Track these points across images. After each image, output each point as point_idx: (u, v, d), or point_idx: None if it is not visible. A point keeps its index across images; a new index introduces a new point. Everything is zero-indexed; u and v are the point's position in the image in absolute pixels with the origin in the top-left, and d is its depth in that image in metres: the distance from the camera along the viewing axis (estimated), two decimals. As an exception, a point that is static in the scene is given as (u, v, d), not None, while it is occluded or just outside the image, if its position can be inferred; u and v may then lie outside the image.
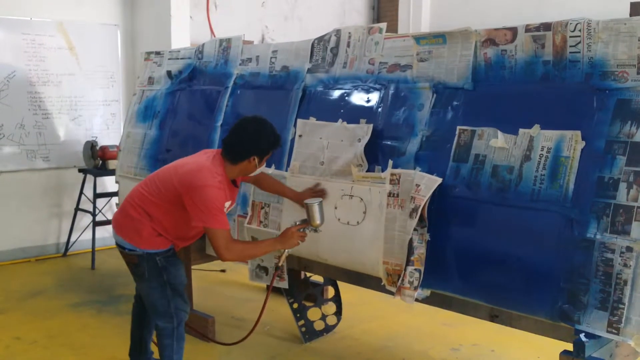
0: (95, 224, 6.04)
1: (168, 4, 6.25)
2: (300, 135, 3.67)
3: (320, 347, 4.24)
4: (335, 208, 3.36)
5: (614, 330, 2.44)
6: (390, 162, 3.19)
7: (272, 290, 5.08)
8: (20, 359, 4.04)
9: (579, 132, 2.60)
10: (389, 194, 3.11)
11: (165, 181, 3.23)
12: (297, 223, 3.34)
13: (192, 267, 4.42)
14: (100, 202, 6.23)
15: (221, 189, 3.14)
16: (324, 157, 3.49)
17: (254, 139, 3.21)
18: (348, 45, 3.62)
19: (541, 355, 3.97)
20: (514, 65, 2.88)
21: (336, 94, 3.63)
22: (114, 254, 3.40)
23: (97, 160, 6.17)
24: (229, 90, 4.26)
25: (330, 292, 4.64)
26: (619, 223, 2.44)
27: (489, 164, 2.85)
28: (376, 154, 3.30)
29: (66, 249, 6.42)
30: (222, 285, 5.43)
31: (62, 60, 6.29)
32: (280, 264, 3.50)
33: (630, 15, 2.73)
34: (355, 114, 3.46)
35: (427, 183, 2.95)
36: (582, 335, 2.56)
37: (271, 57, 4.07)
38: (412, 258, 2.98)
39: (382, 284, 3.16)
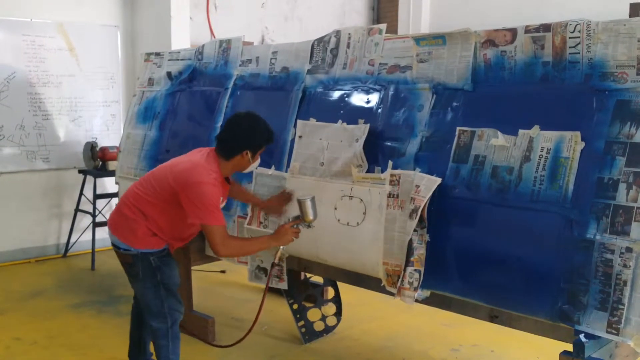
0: (95, 224, 6.05)
1: (168, 4, 6.26)
2: (300, 136, 3.67)
3: (320, 347, 4.24)
4: (335, 209, 3.37)
5: (613, 331, 2.45)
6: (390, 163, 3.19)
7: (273, 290, 5.09)
8: (20, 359, 4.04)
9: (578, 133, 2.60)
10: (389, 195, 3.12)
11: (161, 180, 3.25)
12: (291, 219, 3.39)
13: (192, 268, 4.42)
14: (100, 203, 6.23)
15: (216, 186, 3.17)
16: (323, 158, 3.50)
17: (247, 133, 3.25)
18: (348, 46, 3.63)
19: (541, 356, 3.98)
20: (513, 66, 2.88)
21: (336, 95, 3.64)
22: (114, 255, 3.41)
23: (97, 161, 6.17)
24: (229, 91, 4.27)
25: (330, 292, 4.64)
26: (618, 224, 2.45)
27: (488, 164, 2.86)
28: (376, 155, 3.30)
29: (66, 250, 6.42)
30: (222, 286, 5.43)
31: (62, 61, 6.29)
32: (276, 261, 3.52)
33: (630, 16, 2.74)
34: (355, 115, 3.46)
35: (427, 184, 2.95)
36: (581, 336, 2.56)
37: (271, 58, 4.07)
38: (411, 259, 2.98)
39: (382, 284, 3.16)
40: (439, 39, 3.15)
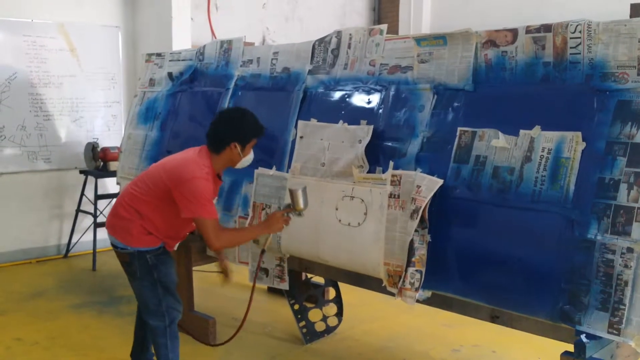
0: (97, 225, 6.05)
1: (169, 5, 6.26)
2: (301, 137, 3.67)
3: (321, 348, 4.24)
4: (336, 209, 3.37)
5: (614, 331, 2.45)
6: (391, 164, 3.19)
7: (274, 291, 5.09)
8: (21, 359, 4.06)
9: (579, 133, 2.60)
10: (390, 195, 3.12)
11: (154, 178, 3.29)
12: (282, 208, 3.42)
13: (193, 268, 4.43)
14: (102, 203, 6.23)
15: (208, 180, 3.22)
16: (325, 158, 3.50)
17: (233, 125, 3.30)
18: (349, 47, 3.63)
19: (542, 356, 3.98)
20: (514, 67, 2.88)
21: (337, 95, 3.64)
22: (115, 256, 3.43)
23: (98, 161, 6.17)
24: (230, 91, 4.27)
25: (331, 293, 4.64)
26: (619, 224, 2.44)
27: (489, 165, 2.86)
28: (377, 155, 3.30)
29: (67, 251, 6.43)
30: (224, 287, 5.43)
31: (63, 62, 6.30)
32: (265, 248, 3.59)
33: (631, 16, 2.74)
34: (356, 115, 3.47)
35: (428, 184, 2.95)
36: (582, 336, 2.55)
37: (272, 59, 4.07)
38: (413, 259, 2.98)
39: (383, 285, 3.16)
40: (440, 39, 3.15)
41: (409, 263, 2.99)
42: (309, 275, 4.52)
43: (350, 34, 3.64)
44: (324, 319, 4.42)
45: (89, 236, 6.29)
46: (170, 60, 4.88)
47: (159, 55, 5.02)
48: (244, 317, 3.62)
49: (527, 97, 2.83)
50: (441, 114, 3.12)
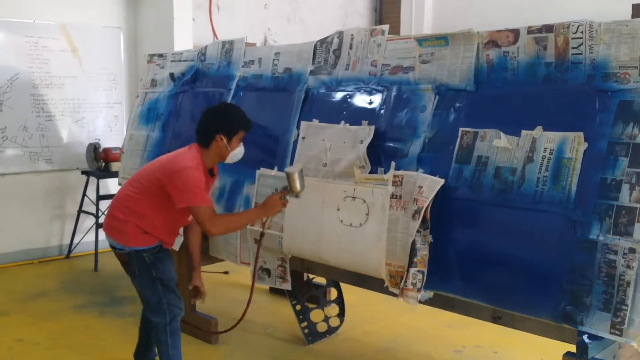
0: (98, 226, 6.05)
1: (171, 6, 6.27)
2: (303, 137, 3.68)
3: (323, 348, 4.24)
4: (338, 210, 3.37)
5: (617, 332, 2.44)
6: (393, 164, 3.19)
7: (276, 291, 5.08)
8: (23, 360, 4.06)
9: (581, 134, 2.60)
10: (392, 196, 3.12)
11: (148, 175, 3.36)
12: (279, 190, 3.42)
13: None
14: (103, 204, 6.22)
15: (199, 170, 3.27)
16: (326, 159, 3.50)
17: (217, 118, 3.37)
18: (350, 47, 3.63)
19: (544, 357, 3.97)
20: (516, 67, 2.88)
21: (338, 95, 3.64)
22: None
23: (100, 162, 6.18)
24: (232, 92, 4.27)
25: (333, 293, 4.64)
26: (621, 224, 2.44)
27: (491, 165, 2.86)
28: (379, 156, 3.30)
29: (69, 251, 6.43)
30: (225, 287, 5.43)
31: (65, 63, 6.31)
32: (264, 231, 3.61)
33: (632, 16, 2.74)
34: (357, 115, 3.47)
35: (430, 185, 2.95)
36: (585, 337, 2.55)
37: (274, 59, 4.08)
38: (414, 259, 2.98)
39: (385, 285, 3.16)
40: (442, 39, 3.15)
41: (410, 263, 2.99)
42: (311, 276, 4.52)
43: (351, 35, 3.64)
44: (326, 319, 4.42)
45: (90, 237, 6.29)
46: (171, 61, 4.88)
47: (160, 56, 5.02)
48: (249, 299, 3.67)
49: (528, 97, 2.83)
50: (443, 115, 3.12)
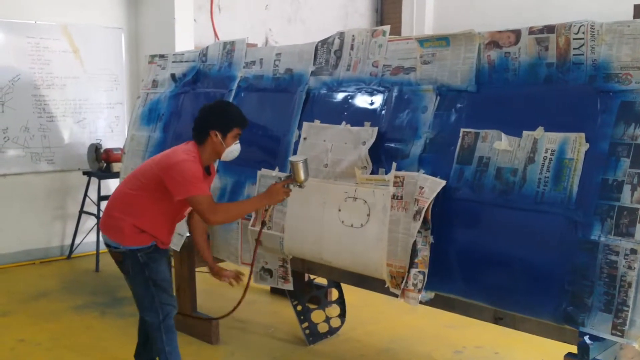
0: (99, 226, 6.05)
1: (172, 7, 6.27)
2: (304, 138, 3.68)
3: (324, 349, 4.24)
4: (339, 210, 3.37)
5: (618, 333, 2.44)
6: (394, 165, 3.19)
7: (277, 292, 5.08)
8: (24, 361, 4.06)
9: (582, 135, 2.60)
10: (393, 197, 3.11)
11: (146, 172, 3.40)
12: (282, 179, 3.43)
13: (196, 269, 4.43)
14: (105, 204, 6.20)
15: (197, 163, 3.30)
16: (327, 159, 3.50)
17: (211, 114, 3.41)
18: (352, 48, 3.63)
19: (545, 358, 3.96)
20: (517, 68, 2.88)
21: (340, 96, 3.64)
22: (116, 256, 3.47)
23: (101, 162, 6.19)
24: (233, 93, 4.27)
25: (334, 294, 4.64)
26: (623, 225, 2.44)
27: (492, 166, 2.86)
28: (380, 157, 3.30)
29: (70, 252, 6.43)
30: (225, 288, 5.40)
31: (67, 63, 6.31)
32: (266, 220, 3.61)
33: (634, 17, 2.74)
34: (358, 116, 3.47)
35: (431, 185, 2.95)
36: (586, 338, 2.55)
37: (275, 60, 4.08)
38: (415, 260, 2.98)
39: (386, 286, 3.16)
40: (443, 40, 3.15)
41: (411, 264, 2.99)
42: (312, 277, 4.52)
43: (353, 35, 3.64)
44: (327, 320, 4.42)
45: (92, 237, 6.29)
46: (173, 62, 4.88)
47: (161, 56, 5.03)
48: (247, 284, 3.70)
49: (530, 98, 2.83)
50: (444, 115, 3.12)
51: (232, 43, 4.41)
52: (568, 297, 2.57)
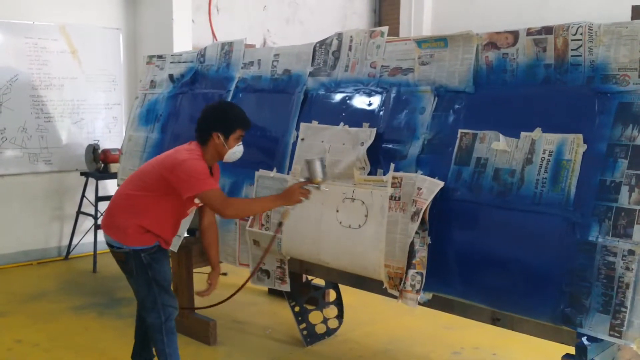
0: (97, 227, 6.04)
1: (170, 7, 6.27)
2: (302, 139, 3.67)
3: (321, 350, 4.23)
4: (337, 211, 3.37)
5: (616, 334, 2.44)
6: (392, 166, 3.19)
7: (275, 293, 5.08)
8: (22, 362, 4.05)
9: (580, 136, 2.60)
10: (391, 197, 3.11)
11: (149, 172, 3.40)
12: (300, 180, 3.36)
13: (194, 270, 4.43)
14: (102, 205, 6.19)
15: (201, 160, 3.30)
16: (325, 160, 3.49)
17: (214, 115, 3.40)
18: (350, 49, 3.63)
19: (543, 359, 3.97)
20: (515, 69, 2.88)
21: (338, 97, 3.64)
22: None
23: (99, 163, 6.18)
24: (231, 93, 4.27)
25: (332, 295, 4.64)
26: (621, 226, 2.44)
27: (490, 167, 2.86)
28: (378, 157, 3.30)
29: (68, 252, 6.42)
30: (224, 289, 5.39)
31: (65, 64, 6.31)
32: (284, 221, 3.53)
33: (632, 18, 2.74)
34: (357, 117, 3.46)
35: (429, 186, 2.95)
36: (584, 339, 2.55)
37: (273, 61, 4.07)
38: (413, 261, 2.98)
39: (384, 287, 3.16)
40: (441, 41, 3.15)
41: (409, 265, 2.99)
42: (310, 277, 4.52)
43: (351, 36, 3.64)
44: (325, 321, 4.42)
45: (89, 238, 6.28)
46: (171, 62, 4.88)
47: (159, 57, 5.02)
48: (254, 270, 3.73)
49: (528, 99, 2.83)
50: (442, 116, 3.12)
51: (230, 44, 4.41)
52: (566, 298, 2.57)
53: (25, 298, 5.22)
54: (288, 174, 3.69)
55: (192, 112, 4.57)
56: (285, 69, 3.99)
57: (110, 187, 6.47)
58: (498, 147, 2.83)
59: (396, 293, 3.07)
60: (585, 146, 2.59)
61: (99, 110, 6.62)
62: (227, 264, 4.21)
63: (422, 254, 2.97)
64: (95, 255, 6.04)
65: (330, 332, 4.42)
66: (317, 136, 3.59)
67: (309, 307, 4.41)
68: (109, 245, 3.42)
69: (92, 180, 6.25)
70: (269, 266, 3.91)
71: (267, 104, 4.02)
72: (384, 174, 3.21)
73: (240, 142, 3.43)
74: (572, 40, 2.67)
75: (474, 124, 2.98)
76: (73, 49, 6.34)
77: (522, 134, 2.77)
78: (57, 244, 6.47)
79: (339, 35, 3.71)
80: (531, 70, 2.82)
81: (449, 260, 2.96)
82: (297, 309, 4.31)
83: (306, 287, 4.51)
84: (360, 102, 3.51)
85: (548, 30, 2.75)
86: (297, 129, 3.74)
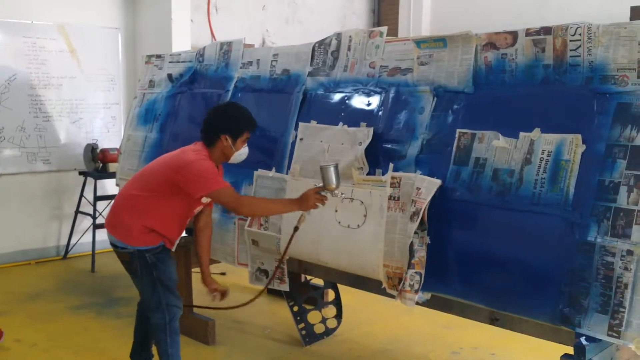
0: (96, 226, 6.05)
1: (169, 7, 6.27)
2: (301, 139, 3.67)
3: (320, 350, 4.23)
4: (336, 211, 3.37)
5: (614, 334, 2.44)
6: (391, 166, 3.19)
7: (273, 293, 5.07)
8: (20, 361, 4.05)
9: (579, 136, 2.60)
10: (390, 197, 3.12)
11: (154, 172, 3.39)
12: (316, 185, 3.29)
13: (193, 270, 4.42)
14: (101, 204, 6.23)
15: (208, 160, 3.30)
16: (324, 160, 3.49)
17: (224, 118, 3.39)
18: (349, 49, 3.63)
19: (542, 359, 3.97)
20: (514, 69, 2.88)
21: (337, 97, 3.64)
22: (114, 257, 3.46)
23: (97, 163, 6.17)
24: (230, 93, 4.27)
25: (331, 295, 4.64)
26: (619, 226, 2.44)
27: (489, 167, 2.86)
28: (377, 157, 3.30)
29: (66, 252, 6.42)
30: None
31: (63, 63, 6.30)
32: (299, 226, 3.43)
33: (631, 19, 2.74)
34: (356, 117, 3.47)
35: (428, 186, 2.95)
36: (582, 339, 2.55)
37: (272, 61, 4.07)
38: (412, 261, 2.98)
39: (383, 287, 3.16)
40: (440, 41, 3.15)
41: (408, 265, 2.99)
42: (309, 277, 4.52)
43: (350, 36, 3.64)
44: (323, 320, 4.42)
45: (87, 237, 6.28)
46: (170, 62, 4.88)
47: (158, 56, 5.02)
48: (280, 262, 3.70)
49: (527, 99, 2.83)
50: (441, 116, 3.12)
51: (229, 43, 4.41)
52: (564, 298, 2.57)
53: (24, 297, 5.21)
54: (287, 173, 3.69)
55: (191, 111, 4.57)
56: (284, 68, 3.99)
57: (108, 186, 6.46)
58: (498, 144, 2.83)
59: (395, 293, 3.07)
60: (584, 146, 2.59)
61: (97, 110, 6.61)
62: (225, 263, 4.21)
63: (421, 254, 2.97)
64: (93, 254, 6.03)
65: (329, 332, 4.42)
66: (316, 136, 3.59)
67: (308, 306, 4.41)
68: (113, 245, 3.40)
69: (90, 180, 6.25)
70: (267, 266, 3.91)
71: (266, 104, 4.02)
72: (383, 174, 3.21)
73: (246, 144, 3.46)
74: (571, 40, 2.67)
75: (473, 124, 2.98)
76: (72, 49, 6.34)
77: (521, 134, 2.78)
78: (56, 243, 6.46)
79: (338, 35, 3.71)
80: (530, 71, 2.82)
81: (447, 260, 2.96)
82: (295, 308, 4.31)
83: (305, 287, 4.51)
84: (359, 102, 3.51)
85: (547, 30, 2.76)
86: (296, 128, 3.74)
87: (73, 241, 6.41)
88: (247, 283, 4.12)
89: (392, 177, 3.13)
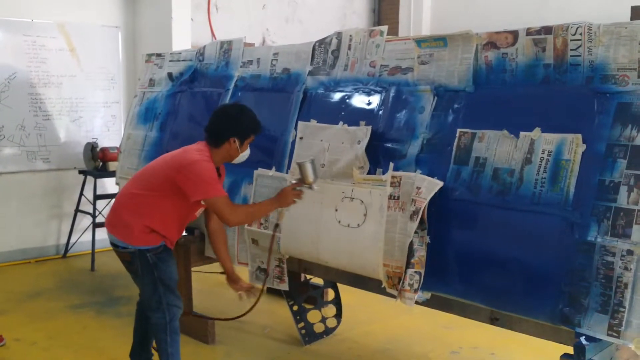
0: (95, 225, 6.04)
1: (169, 6, 6.27)
2: (301, 138, 3.67)
3: (320, 349, 4.23)
4: (336, 210, 3.37)
5: (614, 334, 2.44)
6: (391, 165, 3.19)
7: (273, 292, 5.07)
8: (20, 360, 4.04)
9: (579, 136, 2.60)
10: (390, 197, 3.11)
11: (155, 171, 3.39)
12: (293, 182, 3.43)
13: (192, 269, 4.42)
14: (101, 203, 6.22)
15: (210, 163, 3.30)
16: (324, 159, 3.50)
17: (234, 120, 3.40)
18: (349, 48, 3.63)
19: (541, 359, 3.97)
20: (514, 69, 2.88)
21: (337, 96, 3.63)
22: (114, 256, 3.45)
23: (97, 161, 6.17)
24: (230, 92, 4.27)
25: (330, 294, 4.64)
26: (619, 226, 2.44)
27: (489, 166, 2.86)
28: (377, 157, 3.30)
29: (66, 251, 6.42)
30: (222, 288, 5.39)
31: (63, 62, 6.30)
32: (279, 222, 3.62)
33: (631, 19, 2.74)
34: (356, 116, 3.46)
35: (428, 186, 2.95)
36: (582, 339, 2.55)
37: (272, 60, 4.07)
38: (412, 260, 2.98)
39: (383, 286, 3.16)
40: (440, 40, 3.15)
41: (408, 264, 2.99)
42: (308, 277, 4.52)
43: (350, 35, 3.64)
44: (323, 320, 4.42)
45: (87, 236, 6.28)
46: (170, 61, 4.87)
47: (158, 55, 5.02)
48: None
49: (527, 99, 2.83)
50: (441, 116, 3.12)
51: (230, 42, 4.41)
52: (564, 297, 2.57)
53: (23, 296, 5.21)
54: (287, 172, 3.69)
55: (191, 110, 4.57)
56: (284, 67, 3.98)
57: (108, 185, 6.46)
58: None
59: (395, 292, 3.07)
60: (584, 146, 2.59)
61: (97, 109, 6.61)
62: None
63: (420, 253, 2.97)
64: (93, 253, 6.03)
65: (328, 331, 4.42)
66: (316, 135, 3.59)
67: (308, 306, 4.41)
68: (114, 245, 3.39)
69: (90, 179, 6.24)
70: (267, 265, 3.90)
71: (266, 103, 4.01)
72: (383, 173, 3.21)
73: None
74: (571, 40, 2.67)
75: (474, 124, 2.98)
76: (72, 47, 6.33)
77: (522, 133, 2.78)
78: (55, 242, 6.46)
79: (339, 35, 3.71)
80: (530, 70, 2.82)
81: (447, 260, 2.96)
82: (295, 308, 4.31)
83: (305, 286, 4.51)
84: (359, 101, 3.51)
85: (547, 30, 2.75)
86: (296, 127, 3.74)
87: (73, 240, 6.41)
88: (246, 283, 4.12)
89: (392, 177, 3.12)
